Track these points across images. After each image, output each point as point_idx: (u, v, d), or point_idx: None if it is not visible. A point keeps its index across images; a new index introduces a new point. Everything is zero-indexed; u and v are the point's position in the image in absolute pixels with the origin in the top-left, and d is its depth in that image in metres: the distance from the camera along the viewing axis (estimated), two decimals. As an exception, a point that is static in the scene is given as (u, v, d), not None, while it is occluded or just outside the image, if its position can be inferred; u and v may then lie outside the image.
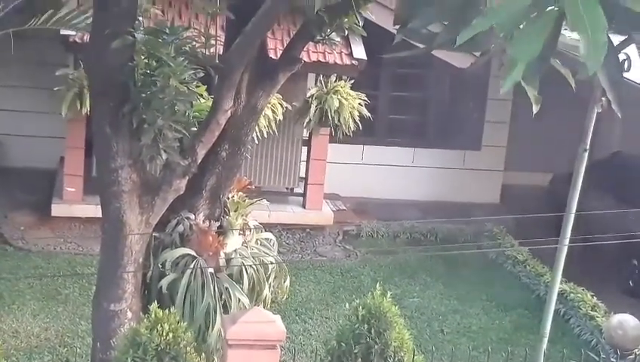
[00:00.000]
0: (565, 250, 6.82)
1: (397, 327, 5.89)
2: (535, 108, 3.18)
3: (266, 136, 10.64)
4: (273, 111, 10.88)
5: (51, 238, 11.30)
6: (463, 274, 11.42)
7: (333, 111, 11.45)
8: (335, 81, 11.67)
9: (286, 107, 11.27)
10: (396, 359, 5.80)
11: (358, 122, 11.64)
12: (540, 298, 10.35)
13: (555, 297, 7.06)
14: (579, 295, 10.13)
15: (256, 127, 9.93)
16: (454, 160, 14.26)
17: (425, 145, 14.20)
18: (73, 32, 10.66)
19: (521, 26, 2.72)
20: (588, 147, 6.64)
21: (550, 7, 2.73)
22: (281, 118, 11.14)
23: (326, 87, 11.62)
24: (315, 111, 11.54)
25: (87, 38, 9.92)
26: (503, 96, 13.98)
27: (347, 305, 6.20)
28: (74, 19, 10.29)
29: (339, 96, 11.45)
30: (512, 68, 2.69)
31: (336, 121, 11.52)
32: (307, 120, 11.62)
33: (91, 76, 6.31)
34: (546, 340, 6.94)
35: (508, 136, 14.39)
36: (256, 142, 11.10)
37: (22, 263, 10.67)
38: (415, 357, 5.83)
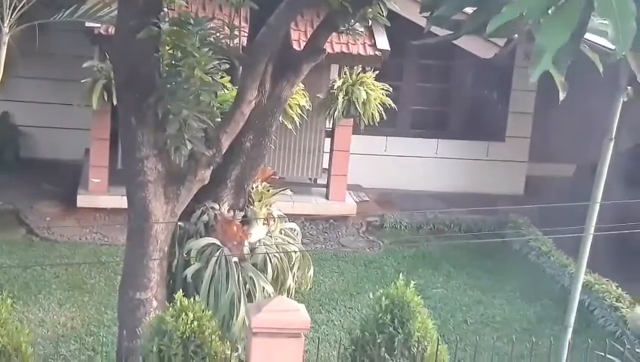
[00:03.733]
0: (590, 240, 6.80)
1: (420, 317, 5.92)
2: (562, 95, 3.17)
3: (298, 126, 10.70)
4: (305, 101, 10.94)
5: (77, 229, 11.40)
6: (487, 264, 11.41)
7: (360, 103, 11.46)
8: (360, 72, 11.67)
9: (310, 97, 11.30)
10: (419, 348, 5.82)
11: (383, 113, 11.65)
12: (565, 289, 10.32)
13: (579, 288, 7.04)
14: (603, 286, 10.09)
15: (292, 117, 10.02)
16: (478, 151, 14.23)
17: (448, 136, 14.18)
18: (98, 25, 10.77)
19: (549, 12, 2.71)
20: (613, 136, 6.60)
21: None
22: (308, 108, 11.20)
23: (351, 78, 11.63)
24: (342, 103, 11.55)
25: (112, 30, 10.02)
26: (527, 87, 13.94)
27: (371, 295, 6.23)
28: (99, 11, 10.38)
29: (365, 88, 11.46)
30: (540, 57, 2.69)
31: (361, 113, 11.53)
32: (334, 111, 11.63)
33: (117, 68, 6.37)
34: (570, 331, 6.93)
35: (532, 127, 14.33)
36: (294, 133, 11.16)
37: (48, 253, 10.78)
38: (439, 347, 5.85)
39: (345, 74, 11.75)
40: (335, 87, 11.65)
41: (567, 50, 2.75)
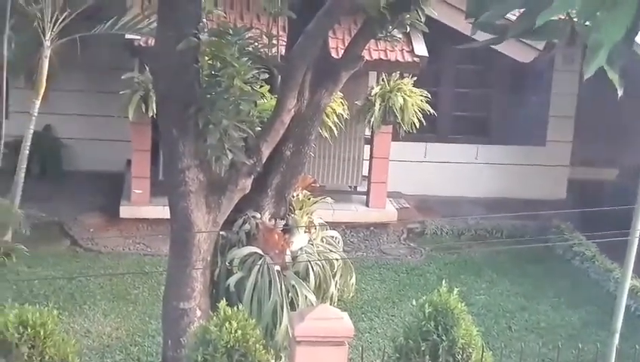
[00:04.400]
0: (635, 244, 6.70)
1: (464, 324, 5.87)
2: (620, 91, 3.11)
3: (336, 134, 10.69)
4: (342, 109, 10.92)
5: (120, 239, 11.51)
6: (530, 270, 11.30)
7: (398, 109, 11.42)
8: (398, 79, 11.63)
9: (348, 105, 11.29)
10: (464, 355, 5.77)
11: (422, 119, 11.60)
12: (610, 294, 10.19)
13: (625, 293, 6.94)
14: (650, 290, 9.96)
15: (329, 125, 9.99)
16: (519, 156, 14.12)
17: (488, 141, 14.09)
18: (138, 37, 10.89)
19: (598, 13, 2.66)
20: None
21: None
22: (346, 116, 11.18)
23: (389, 85, 11.60)
24: (379, 109, 11.52)
25: (151, 42, 10.11)
26: (568, 90, 13.80)
27: (413, 302, 6.18)
28: (138, 23, 10.53)
29: (402, 94, 11.41)
30: (597, 52, 2.62)
31: (399, 119, 11.48)
32: (371, 118, 11.61)
33: (157, 79, 6.40)
34: (617, 336, 6.83)
35: (573, 131, 14.19)
36: (331, 142, 11.15)
37: (92, 264, 10.88)
38: (483, 354, 5.80)
39: (382, 80, 11.72)
40: (372, 94, 11.63)
41: (623, 46, 2.67)
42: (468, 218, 12.62)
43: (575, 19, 2.86)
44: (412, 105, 11.46)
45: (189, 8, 5.82)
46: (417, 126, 11.53)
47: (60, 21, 10.53)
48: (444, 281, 6.13)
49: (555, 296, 10.61)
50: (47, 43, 10.56)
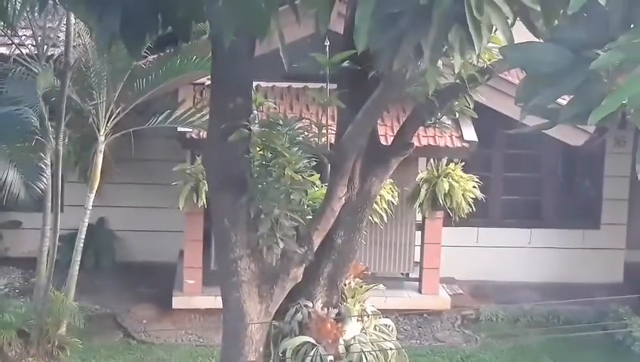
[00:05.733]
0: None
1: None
2: None
3: (387, 220, 10.66)
4: (392, 195, 10.93)
5: (173, 330, 11.50)
6: (589, 357, 11.02)
7: (443, 195, 11.39)
8: (447, 164, 11.63)
9: (398, 191, 11.30)
10: None
11: (472, 205, 11.53)
12: (674, 380, 9.88)
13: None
14: None
15: (377, 211, 10.00)
16: (573, 239, 13.92)
17: (541, 225, 13.93)
18: (190, 129, 11.09)
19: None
20: None
21: None
22: (396, 203, 11.18)
23: (437, 171, 11.60)
24: (425, 195, 11.50)
25: (203, 134, 10.28)
26: (620, 173, 13.67)
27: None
28: (190, 117, 10.73)
29: (449, 179, 11.39)
30: None
31: (447, 205, 11.43)
32: (417, 203, 11.59)
33: (209, 170, 6.48)
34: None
35: (628, 213, 13.99)
36: (381, 228, 11.12)
37: (145, 356, 10.87)
38: None
39: (430, 166, 11.73)
40: (418, 179, 11.64)
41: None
42: (523, 304, 12.40)
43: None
44: (459, 190, 11.41)
45: (239, 101, 5.92)
46: (467, 211, 11.46)
47: (113, 116, 10.79)
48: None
49: (617, 384, 10.32)
50: (102, 138, 10.79)
